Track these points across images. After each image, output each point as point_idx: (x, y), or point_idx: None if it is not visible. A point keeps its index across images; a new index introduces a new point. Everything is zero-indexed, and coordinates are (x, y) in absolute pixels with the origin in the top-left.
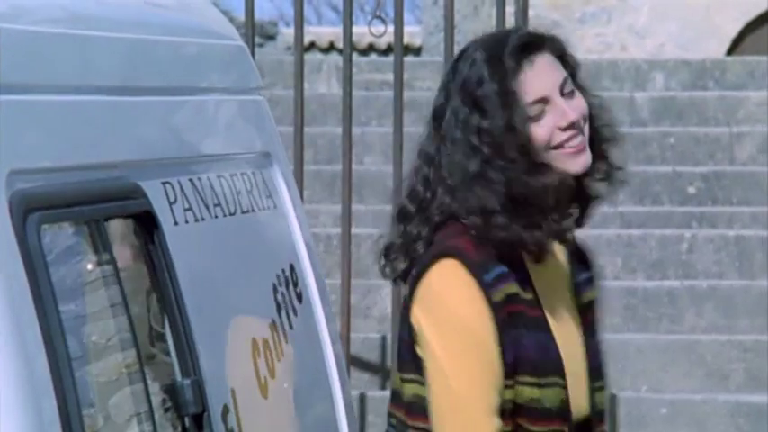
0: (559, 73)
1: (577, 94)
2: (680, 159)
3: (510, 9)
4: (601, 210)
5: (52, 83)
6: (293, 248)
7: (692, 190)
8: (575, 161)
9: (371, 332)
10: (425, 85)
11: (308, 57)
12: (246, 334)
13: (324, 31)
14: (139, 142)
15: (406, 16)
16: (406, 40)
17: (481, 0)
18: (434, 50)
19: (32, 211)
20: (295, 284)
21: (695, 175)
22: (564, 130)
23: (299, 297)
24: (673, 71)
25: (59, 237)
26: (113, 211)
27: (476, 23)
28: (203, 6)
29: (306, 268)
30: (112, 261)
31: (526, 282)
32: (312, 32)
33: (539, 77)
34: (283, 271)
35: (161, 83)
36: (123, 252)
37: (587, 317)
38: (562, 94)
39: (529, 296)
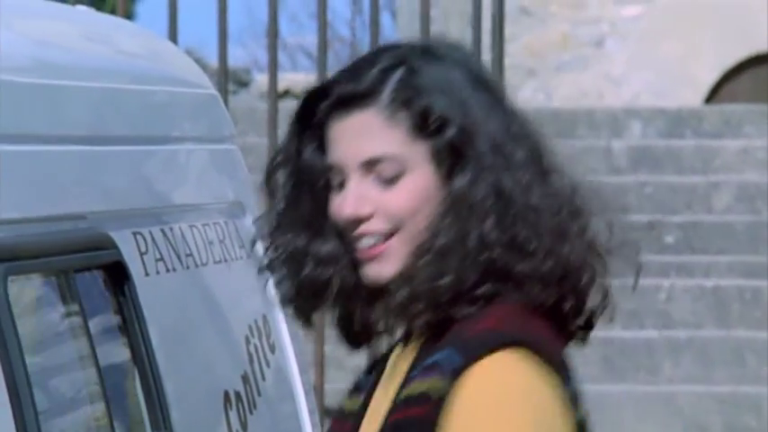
0: (372, 145)
1: (405, 185)
2: (657, 208)
3: (486, 57)
4: None
5: (19, 132)
6: (266, 299)
7: (669, 239)
8: (364, 268)
9: (346, 383)
10: None
11: (282, 104)
12: (218, 386)
13: (298, 77)
14: (110, 192)
15: None
16: None
17: None
18: None
19: None
20: (268, 335)
21: (672, 224)
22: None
23: (272, 348)
24: (649, 119)
25: (27, 288)
26: (83, 262)
27: None
28: (175, 54)
29: (278, 318)
30: (82, 312)
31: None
32: (287, 79)
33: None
34: (255, 321)
35: (131, 132)
36: (93, 303)
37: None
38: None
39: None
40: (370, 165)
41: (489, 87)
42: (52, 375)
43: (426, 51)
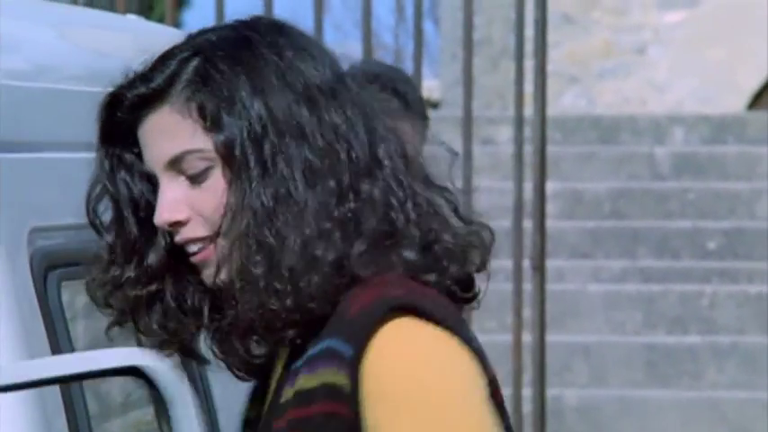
0: (172, 144)
1: (213, 183)
2: (700, 214)
3: (529, 63)
4: (620, 265)
5: (77, 140)
6: None
7: (711, 245)
8: (201, 274)
9: None
10: (445, 138)
11: None
12: None
13: None
14: None
15: (425, 70)
16: (424, 94)
17: (500, 54)
18: (453, 104)
19: (52, 268)
20: None
21: (715, 230)
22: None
23: None
24: (692, 126)
25: (80, 294)
26: None
27: (494, 78)
28: None
29: None
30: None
31: None
32: None
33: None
34: None
35: None
36: None
37: None
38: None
39: None
40: (174, 165)
41: (298, 80)
42: (104, 380)
43: (226, 41)
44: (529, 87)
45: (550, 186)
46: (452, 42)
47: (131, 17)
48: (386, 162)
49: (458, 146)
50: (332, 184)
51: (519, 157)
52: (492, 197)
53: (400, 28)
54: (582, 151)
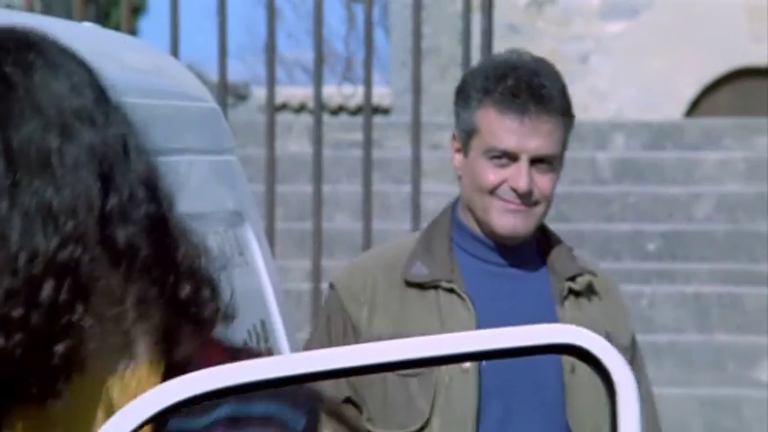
0: None
1: None
2: (640, 217)
3: None
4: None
5: None
6: (264, 304)
7: (651, 247)
8: None
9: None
10: (394, 144)
11: (279, 117)
12: None
13: (295, 92)
14: None
15: (375, 78)
16: (375, 101)
17: (448, 63)
18: (403, 111)
19: None
20: (266, 339)
21: (654, 233)
22: None
23: (270, 352)
24: (633, 132)
25: None
26: None
27: (443, 85)
28: (177, 69)
29: (276, 323)
30: None
31: None
32: (284, 93)
33: None
34: (254, 326)
35: None
36: None
37: None
38: None
39: None
40: None
41: (49, 104)
42: None
43: None
44: None
45: None
46: (402, 51)
47: (87, 24)
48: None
49: (407, 150)
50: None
51: None
52: (439, 200)
53: (351, 36)
54: None
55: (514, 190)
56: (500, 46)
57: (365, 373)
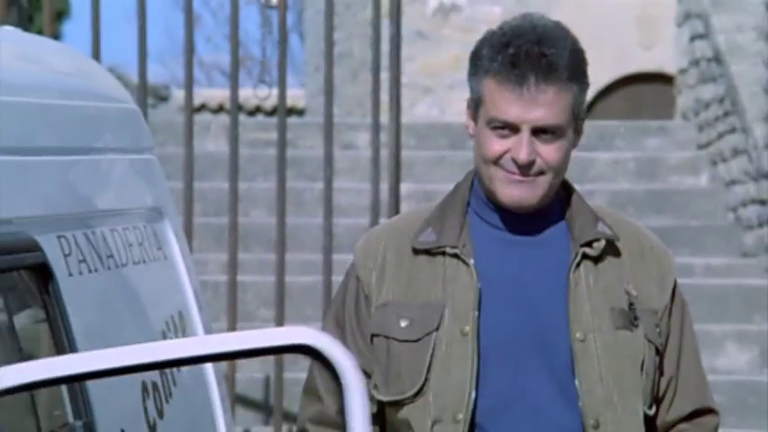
0: None
1: None
2: None
3: (385, 75)
4: None
5: None
6: (182, 296)
7: None
8: None
9: (256, 372)
10: (308, 143)
11: (198, 117)
12: (136, 378)
13: (213, 93)
14: (36, 199)
15: (290, 80)
16: (289, 102)
17: (359, 67)
18: (316, 112)
19: None
20: (183, 330)
21: None
22: None
23: None
24: None
25: None
26: (9, 264)
27: (354, 88)
28: (99, 72)
29: (194, 314)
30: (8, 310)
31: None
32: (202, 95)
33: None
34: (172, 317)
35: (57, 143)
36: (19, 301)
37: None
38: None
39: None
40: None
41: None
42: None
43: None
44: (385, 97)
45: (404, 187)
46: (316, 55)
47: (8, 28)
48: None
49: (320, 149)
50: None
51: (376, 160)
52: (351, 197)
53: (267, 41)
54: (433, 155)
55: (515, 161)
56: (408, 51)
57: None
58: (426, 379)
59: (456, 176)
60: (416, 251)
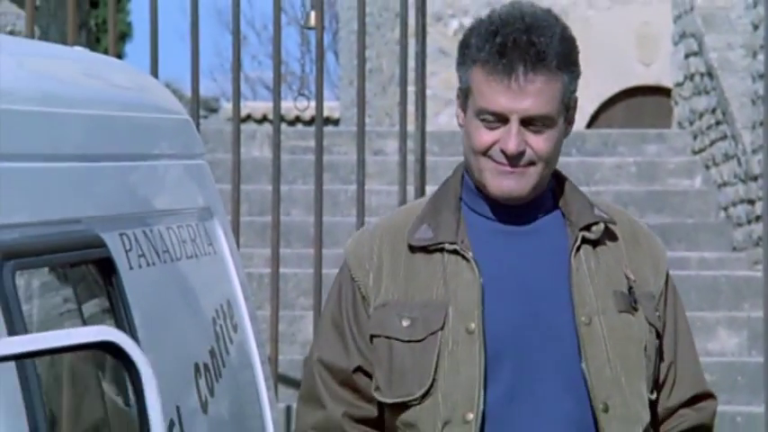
0: None
1: None
2: None
3: (411, 89)
4: None
5: (28, 152)
6: (230, 287)
7: None
8: None
9: (296, 355)
10: (342, 150)
11: (244, 127)
12: (190, 359)
13: (258, 105)
14: (101, 200)
15: (326, 93)
16: (325, 113)
17: (388, 81)
18: (350, 122)
19: (8, 258)
20: (231, 317)
21: None
22: None
23: (235, 328)
24: None
25: (33, 280)
26: (78, 258)
27: (383, 100)
28: (156, 87)
29: (240, 303)
30: (77, 299)
31: None
32: (248, 107)
33: None
34: (221, 306)
35: (120, 150)
36: (86, 292)
37: None
38: None
39: None
40: None
41: None
42: None
43: None
44: (411, 108)
45: (429, 189)
46: (349, 71)
47: (78, 49)
48: None
49: (353, 155)
50: None
51: (403, 165)
52: (381, 198)
53: (306, 59)
54: (455, 160)
55: (504, 152)
56: (432, 67)
57: None
58: (434, 379)
59: None
60: (413, 249)
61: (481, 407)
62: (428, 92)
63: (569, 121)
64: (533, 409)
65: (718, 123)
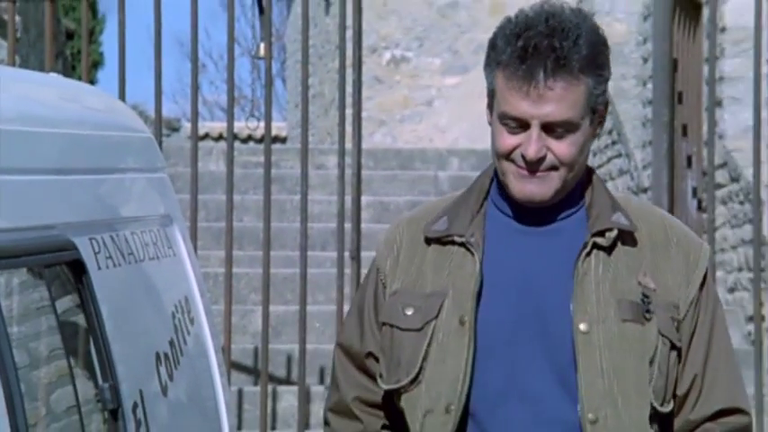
0: None
1: None
2: None
3: (349, 111)
4: None
5: (9, 166)
6: (188, 285)
7: None
8: None
9: (247, 344)
10: (288, 164)
11: (202, 144)
12: (152, 348)
13: (215, 125)
14: (73, 208)
15: (275, 115)
16: (274, 132)
17: (329, 105)
18: (295, 140)
19: None
20: (189, 311)
21: None
22: None
23: (192, 321)
24: (464, 157)
25: (9, 280)
26: (51, 260)
27: (325, 121)
28: (123, 108)
29: (197, 299)
30: (51, 297)
31: None
32: (206, 126)
33: None
34: (180, 302)
35: (90, 164)
36: (59, 290)
37: None
38: None
39: None
40: None
41: None
42: (31, 340)
43: None
44: (349, 128)
45: (364, 199)
46: (295, 95)
47: (54, 75)
48: None
49: (298, 169)
50: None
51: (342, 178)
52: (322, 206)
53: (256, 84)
54: (387, 174)
55: (524, 157)
56: (368, 92)
57: None
58: (421, 368)
59: (404, 191)
60: (428, 240)
61: (464, 399)
62: (364, 114)
63: (599, 122)
64: (523, 407)
65: (614, 143)
